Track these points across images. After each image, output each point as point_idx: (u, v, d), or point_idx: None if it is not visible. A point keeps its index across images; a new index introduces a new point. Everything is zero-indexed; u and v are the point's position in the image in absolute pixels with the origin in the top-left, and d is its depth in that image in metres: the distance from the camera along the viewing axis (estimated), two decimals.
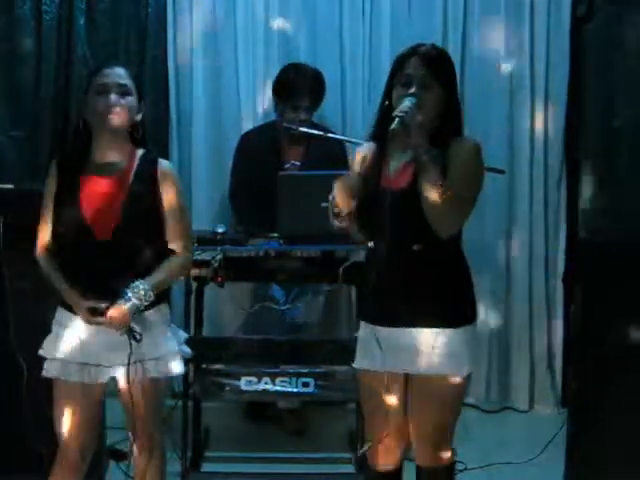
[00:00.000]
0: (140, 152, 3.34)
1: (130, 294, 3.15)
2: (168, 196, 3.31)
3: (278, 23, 5.57)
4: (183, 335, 3.50)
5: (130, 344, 3.18)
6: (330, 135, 4.95)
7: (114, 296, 3.16)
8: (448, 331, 3.12)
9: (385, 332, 3.15)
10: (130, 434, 3.40)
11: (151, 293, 3.19)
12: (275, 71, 5.31)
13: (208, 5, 5.54)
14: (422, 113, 3.02)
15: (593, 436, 3.90)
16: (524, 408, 5.66)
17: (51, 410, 3.33)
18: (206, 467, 4.61)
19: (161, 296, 3.32)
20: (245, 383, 4.37)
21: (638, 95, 4.57)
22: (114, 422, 4.11)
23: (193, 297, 4.52)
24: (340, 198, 3.04)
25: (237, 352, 4.45)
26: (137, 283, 3.17)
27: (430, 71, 3.06)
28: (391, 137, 2.96)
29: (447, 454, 3.27)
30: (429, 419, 3.20)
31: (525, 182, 5.58)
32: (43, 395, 3.37)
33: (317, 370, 4.37)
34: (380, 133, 3.14)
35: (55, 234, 3.27)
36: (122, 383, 3.30)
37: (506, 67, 5.56)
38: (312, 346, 4.49)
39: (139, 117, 3.33)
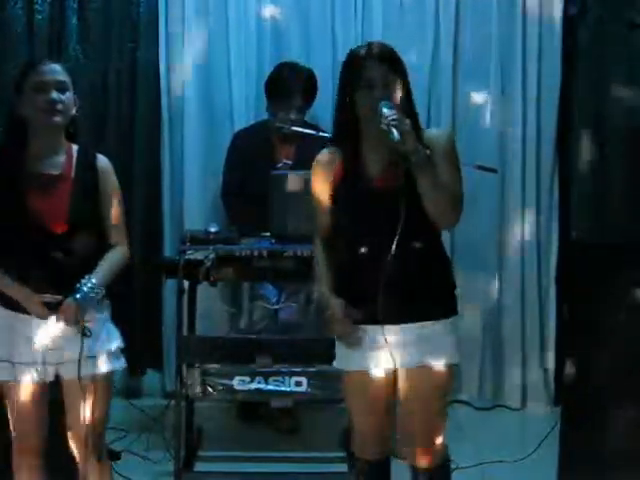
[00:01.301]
0: (75, 147, 3.35)
1: (84, 288, 3.17)
2: (108, 191, 3.36)
3: (271, 21, 5.57)
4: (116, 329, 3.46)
5: (82, 340, 3.18)
6: (322, 134, 4.95)
7: (66, 291, 3.17)
8: (435, 323, 3.15)
9: (371, 330, 3.15)
10: (71, 435, 3.38)
11: (102, 288, 3.23)
12: (267, 70, 5.31)
13: (200, 4, 5.53)
14: (398, 110, 3.04)
15: (586, 435, 3.90)
16: (516, 406, 5.67)
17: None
18: (199, 467, 4.61)
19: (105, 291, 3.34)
20: (238, 382, 4.37)
21: (629, 95, 4.59)
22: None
23: (186, 296, 4.51)
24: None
25: (230, 351, 4.44)
26: (88, 278, 3.19)
27: (390, 69, 3.10)
28: (396, 145, 2.96)
29: (442, 451, 3.29)
30: (421, 412, 3.21)
31: (517, 181, 5.59)
32: None
33: (310, 369, 4.37)
34: (347, 137, 3.18)
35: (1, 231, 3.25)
36: (69, 380, 3.28)
37: (498, 66, 5.56)
38: (305, 345, 4.49)
39: (74, 111, 3.31)
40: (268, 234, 4.47)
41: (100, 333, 3.29)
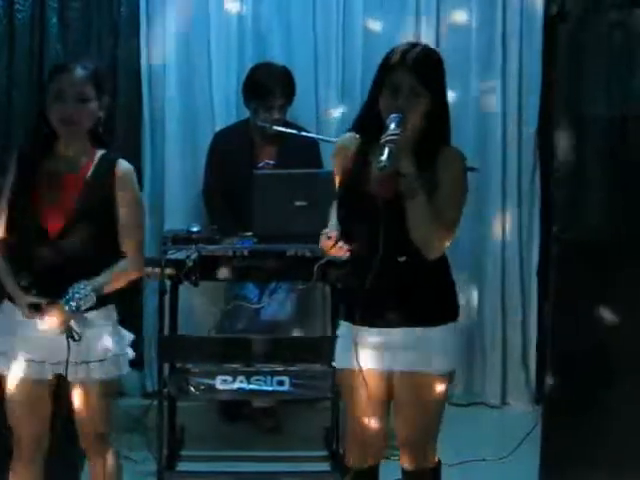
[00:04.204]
0: (100, 152, 3.34)
1: (71, 294, 3.14)
2: (125, 198, 3.31)
3: (252, 20, 5.57)
4: (129, 336, 3.47)
5: (68, 344, 3.16)
6: (304, 134, 4.96)
7: (58, 295, 3.16)
8: (432, 329, 3.13)
9: (372, 332, 3.14)
10: (81, 437, 3.41)
11: (93, 295, 3.18)
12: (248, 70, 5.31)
13: (181, 4, 5.53)
14: (409, 128, 2.99)
15: (568, 433, 3.92)
16: (497, 404, 5.69)
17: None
18: (182, 466, 4.60)
19: (108, 297, 3.31)
20: (220, 382, 4.37)
21: (609, 95, 4.61)
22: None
23: (167, 296, 4.50)
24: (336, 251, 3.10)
25: (212, 351, 4.44)
26: (80, 284, 3.16)
27: (419, 81, 3.00)
28: (380, 168, 2.90)
29: (433, 455, 3.30)
30: (416, 416, 3.21)
31: (498, 178, 5.62)
32: None
33: (292, 368, 4.37)
34: (364, 129, 3.15)
35: (7, 228, 3.26)
36: (71, 381, 3.29)
37: (479, 66, 5.58)
38: (287, 344, 4.50)
39: (100, 114, 3.31)
40: (250, 234, 4.47)
41: (97, 339, 3.27)
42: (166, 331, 4.51)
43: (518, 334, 5.67)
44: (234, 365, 4.40)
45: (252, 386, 4.39)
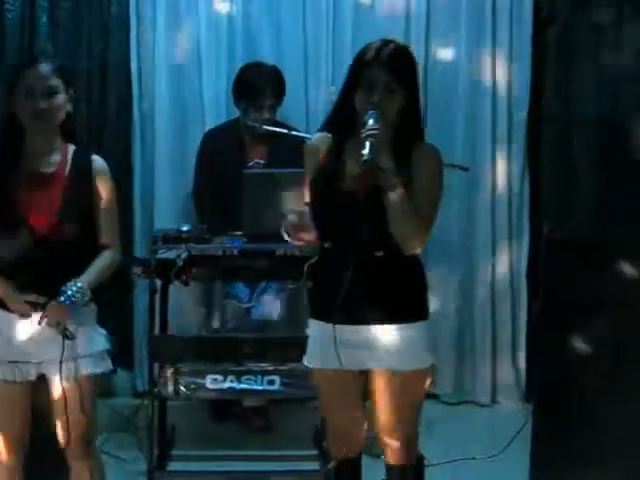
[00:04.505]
0: (72, 148, 3.35)
1: (69, 292, 3.16)
2: (103, 192, 3.34)
3: (242, 20, 5.57)
4: (105, 333, 3.46)
5: (63, 342, 3.17)
6: (294, 133, 4.96)
7: (51, 293, 3.17)
8: (409, 326, 3.15)
9: (346, 330, 3.13)
10: (60, 436, 3.37)
11: (88, 291, 3.22)
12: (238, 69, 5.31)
13: (171, 2, 5.53)
14: (385, 123, 3.02)
15: (558, 432, 3.93)
16: (486, 402, 5.70)
17: None
18: (172, 466, 4.60)
19: (92, 293, 3.32)
20: (211, 381, 4.37)
21: (597, 96, 4.64)
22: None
23: (158, 296, 4.50)
24: (300, 236, 3.12)
25: (202, 350, 4.44)
26: (75, 281, 3.19)
27: (394, 77, 3.04)
28: (363, 162, 2.94)
29: (416, 449, 3.31)
30: (396, 413, 3.21)
31: (488, 178, 5.62)
32: None
33: (282, 368, 4.37)
34: (337, 127, 3.17)
35: None
36: (54, 381, 3.28)
37: (469, 67, 5.58)
38: (277, 344, 4.49)
39: (69, 108, 3.31)
40: (240, 233, 4.47)
41: (85, 335, 3.28)
42: (156, 331, 4.51)
43: (508, 333, 5.68)
44: (224, 364, 4.40)
45: (242, 385, 4.39)
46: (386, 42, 3.14)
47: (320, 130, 3.29)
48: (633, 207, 4.63)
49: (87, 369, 3.29)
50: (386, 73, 3.04)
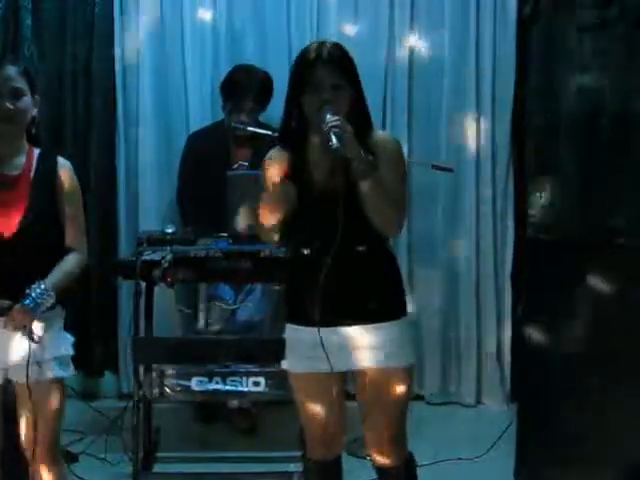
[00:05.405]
0: (37, 151, 3.34)
1: (33, 295, 3.13)
2: (70, 193, 3.32)
3: (226, 23, 5.58)
4: (70, 338, 3.42)
5: (29, 346, 3.14)
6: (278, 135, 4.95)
7: (16, 296, 3.13)
8: (388, 324, 3.14)
9: (327, 332, 3.12)
10: (23, 441, 3.32)
11: (53, 294, 3.17)
12: (223, 72, 5.32)
13: (155, 5, 5.53)
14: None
15: (543, 432, 3.95)
16: (471, 403, 5.71)
17: None
18: (158, 468, 4.60)
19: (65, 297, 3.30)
20: (196, 383, 4.38)
21: (581, 96, 4.63)
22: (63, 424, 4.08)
23: (142, 298, 4.50)
24: (269, 213, 3.10)
25: (187, 352, 4.45)
26: (39, 283, 3.15)
27: (339, 73, 3.07)
28: (334, 152, 2.95)
29: (405, 449, 3.32)
30: (383, 411, 3.21)
31: (472, 180, 5.63)
32: None
33: (268, 369, 4.37)
34: (294, 140, 3.18)
35: None
36: (19, 385, 3.25)
37: (452, 67, 5.60)
38: (262, 345, 4.48)
39: (34, 111, 3.30)
40: (225, 235, 4.47)
41: (50, 339, 3.24)
42: (141, 333, 4.50)
43: (492, 334, 5.70)
44: (209, 366, 4.40)
45: (228, 387, 4.39)
46: (322, 42, 3.18)
47: (275, 145, 3.29)
48: (617, 208, 4.64)
49: (51, 373, 3.25)
50: (331, 71, 3.07)
